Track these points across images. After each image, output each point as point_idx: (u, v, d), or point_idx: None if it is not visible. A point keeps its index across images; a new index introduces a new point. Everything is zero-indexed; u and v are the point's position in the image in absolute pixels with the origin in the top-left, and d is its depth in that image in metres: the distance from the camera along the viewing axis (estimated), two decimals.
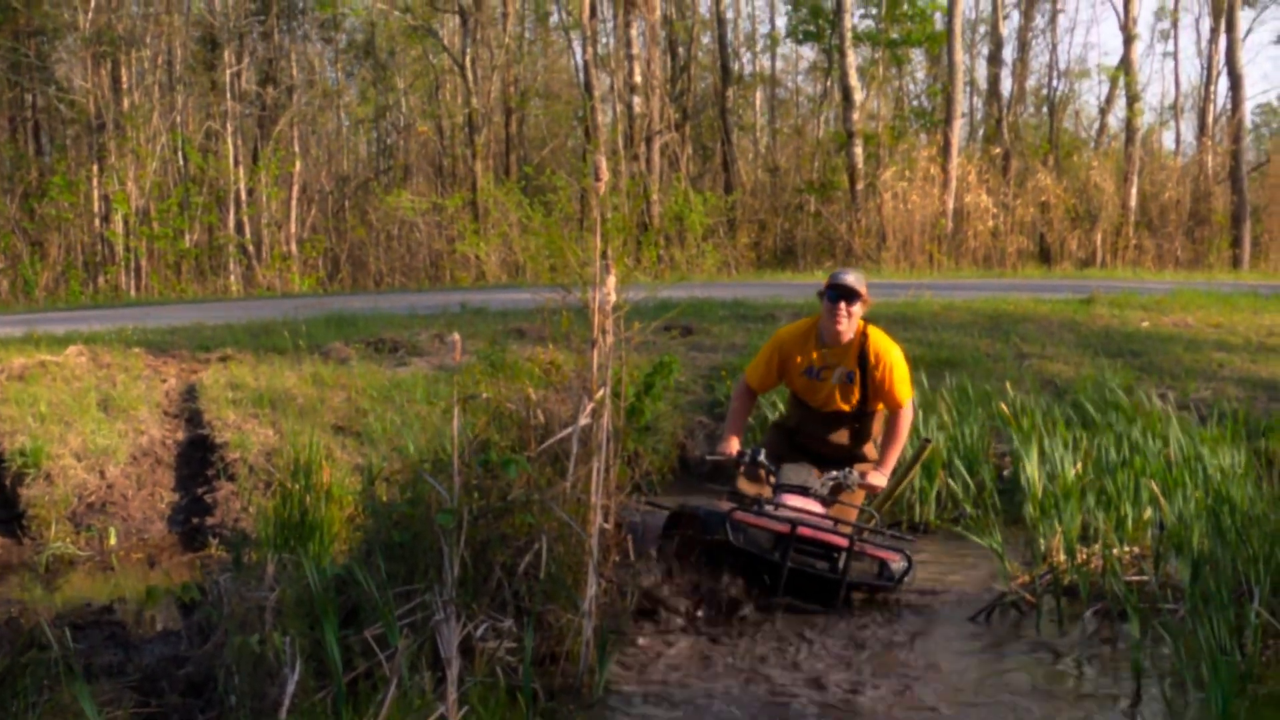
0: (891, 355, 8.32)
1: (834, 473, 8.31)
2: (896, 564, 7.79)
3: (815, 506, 7.96)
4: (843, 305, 8.19)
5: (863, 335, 8.36)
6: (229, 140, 34.76)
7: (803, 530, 7.56)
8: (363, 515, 8.44)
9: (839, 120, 38.05)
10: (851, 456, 8.58)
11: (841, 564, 7.61)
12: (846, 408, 8.51)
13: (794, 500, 7.92)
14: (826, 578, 7.65)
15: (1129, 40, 37.98)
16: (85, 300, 28.56)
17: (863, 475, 8.36)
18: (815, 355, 8.47)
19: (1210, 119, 41.56)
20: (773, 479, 8.28)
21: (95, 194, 32.33)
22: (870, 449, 8.61)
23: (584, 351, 6.61)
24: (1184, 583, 7.09)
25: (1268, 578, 6.71)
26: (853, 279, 8.22)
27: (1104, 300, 18.28)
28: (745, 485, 8.36)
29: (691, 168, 39.26)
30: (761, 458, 8.42)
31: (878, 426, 8.58)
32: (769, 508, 7.78)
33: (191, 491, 10.89)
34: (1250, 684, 5.89)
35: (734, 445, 8.58)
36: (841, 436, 8.61)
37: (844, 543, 7.59)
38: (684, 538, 7.69)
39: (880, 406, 8.49)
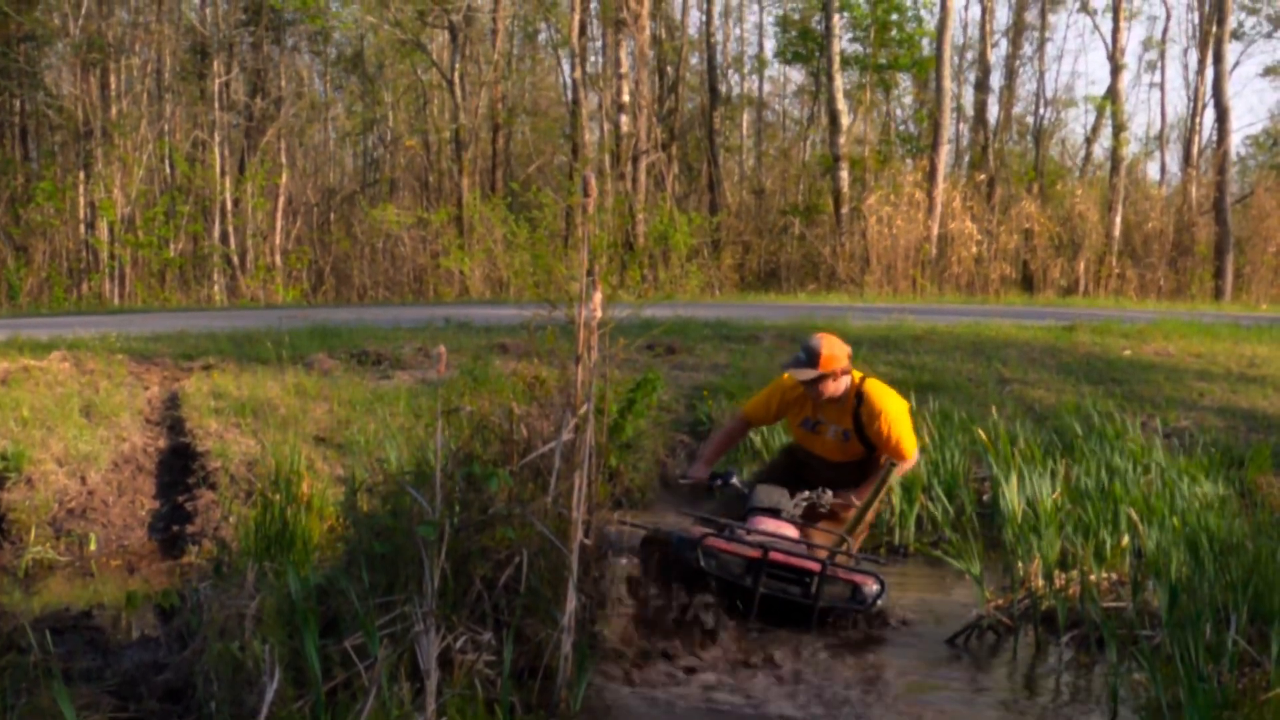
0: (890, 411, 8.21)
1: (806, 493, 8.30)
2: (870, 588, 7.76)
3: (788, 529, 7.94)
4: (812, 388, 8.19)
5: (857, 394, 8.31)
6: (216, 150, 34.77)
7: (774, 555, 7.55)
8: (343, 526, 8.44)
9: (825, 144, 38.16)
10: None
11: (814, 588, 7.59)
12: (848, 458, 8.50)
13: (766, 524, 7.91)
14: (799, 602, 7.63)
15: (1116, 70, 38.14)
16: (69, 307, 28.57)
17: (836, 494, 8.34)
18: (810, 409, 8.45)
19: (1196, 150, 41.71)
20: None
21: (81, 201, 32.32)
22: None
23: (567, 367, 6.61)
24: (1161, 610, 7.11)
25: (1245, 605, 6.73)
26: (809, 372, 8.10)
27: (1086, 328, 18.34)
28: (727, 516, 8.31)
29: (677, 188, 39.33)
30: (734, 480, 8.45)
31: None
32: (740, 532, 7.76)
33: (172, 499, 10.87)
34: (1226, 711, 5.90)
35: (703, 470, 8.60)
36: (844, 479, 8.54)
37: (816, 567, 7.58)
38: (657, 561, 7.70)
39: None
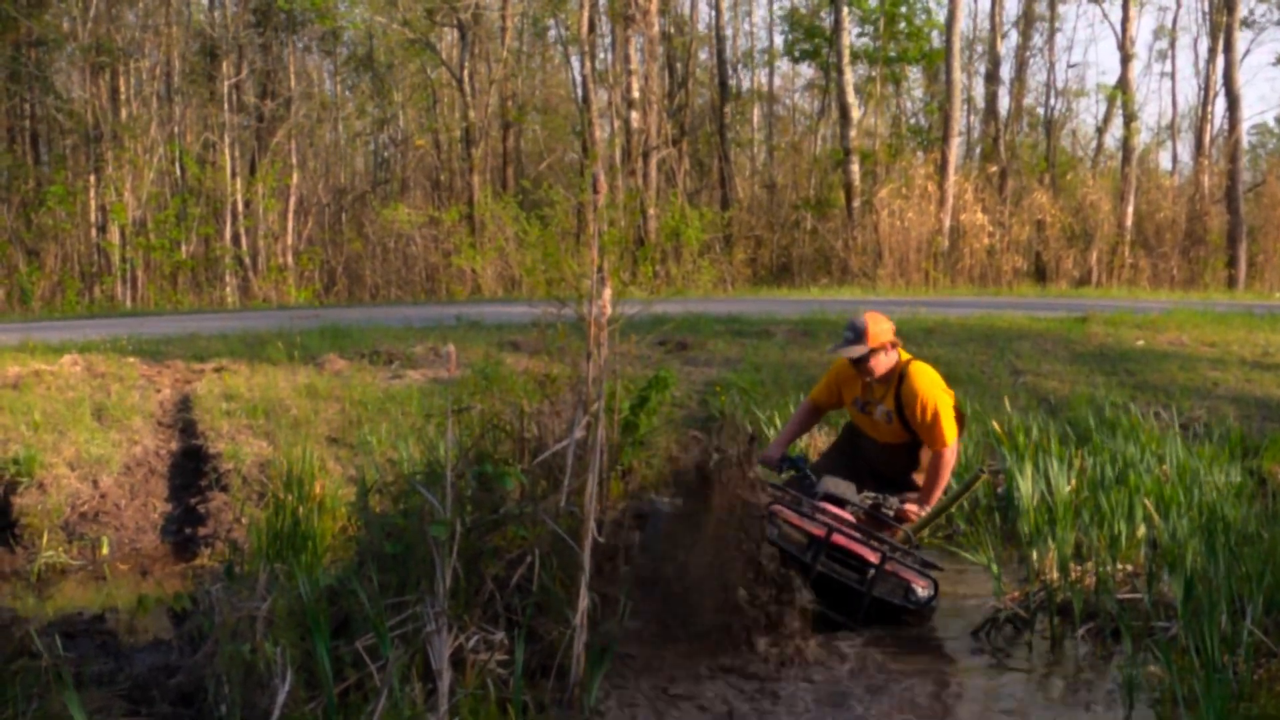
0: (929, 396, 8.21)
1: (870, 494, 8.30)
2: (922, 590, 7.75)
3: (850, 520, 7.96)
4: (862, 365, 8.21)
5: (900, 375, 8.32)
6: (226, 152, 34.76)
7: (837, 538, 7.54)
8: (355, 526, 8.44)
9: (836, 137, 38.14)
10: (902, 481, 8.56)
11: (869, 578, 7.59)
12: (895, 440, 8.50)
13: (831, 510, 7.92)
14: (852, 588, 7.62)
15: (1126, 60, 38.05)
16: (81, 310, 28.55)
17: (902, 501, 8.33)
18: (861, 390, 8.49)
19: (1207, 139, 41.59)
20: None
21: (92, 204, 32.29)
22: (920, 477, 8.57)
23: (579, 365, 6.59)
24: (1177, 601, 7.08)
25: (1260, 596, 6.70)
26: (853, 349, 8.18)
27: (1099, 319, 18.29)
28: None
29: (688, 183, 39.28)
30: (804, 466, 8.49)
31: (927, 456, 8.52)
32: (807, 508, 7.77)
33: (184, 502, 10.88)
34: (1242, 702, 5.88)
35: (777, 452, 8.66)
36: (893, 461, 8.61)
37: (875, 558, 7.58)
38: None
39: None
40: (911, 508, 8.27)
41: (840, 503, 8.07)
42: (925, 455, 8.50)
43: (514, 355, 14.24)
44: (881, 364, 8.24)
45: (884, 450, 8.62)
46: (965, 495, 8.82)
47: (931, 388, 8.27)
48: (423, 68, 41.48)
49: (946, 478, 8.42)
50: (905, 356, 8.40)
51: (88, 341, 15.21)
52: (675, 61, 40.93)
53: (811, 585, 7.44)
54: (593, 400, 6.38)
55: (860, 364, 8.23)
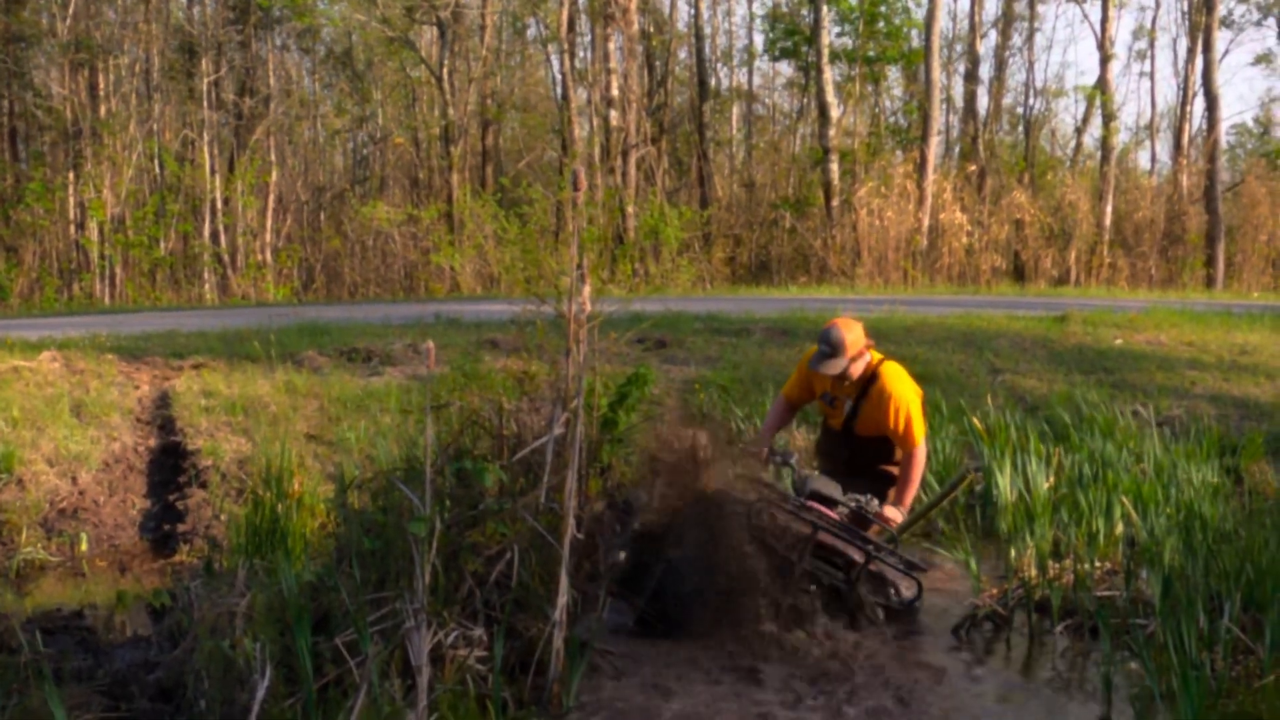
0: (898, 397, 8.25)
1: (856, 496, 8.30)
2: (906, 591, 7.79)
3: (837, 519, 7.97)
4: (841, 375, 8.23)
5: (872, 373, 8.35)
6: (205, 149, 34.66)
7: (822, 537, 7.55)
8: (334, 523, 8.43)
9: (815, 136, 38.13)
10: (875, 474, 8.58)
11: (854, 577, 7.60)
12: (862, 434, 8.52)
13: (818, 509, 7.94)
14: (838, 586, 7.64)
15: (1106, 60, 38.13)
16: (60, 307, 28.49)
17: (881, 506, 8.34)
18: (830, 384, 8.49)
19: (1186, 139, 41.65)
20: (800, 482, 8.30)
21: (71, 201, 32.17)
22: (893, 469, 8.58)
23: (558, 362, 6.59)
24: (1155, 598, 7.10)
25: (1238, 593, 6.73)
26: (833, 364, 8.19)
27: (1077, 318, 18.33)
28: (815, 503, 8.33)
29: (667, 182, 39.28)
30: (792, 462, 8.47)
31: (899, 452, 8.53)
32: (793, 506, 7.77)
33: (163, 498, 10.85)
34: (1220, 699, 5.89)
35: (763, 445, 8.63)
36: (863, 454, 8.62)
37: (861, 558, 7.59)
38: None
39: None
40: (890, 511, 8.27)
41: (828, 502, 8.08)
42: (896, 450, 8.54)
43: (493, 353, 14.22)
44: (857, 369, 8.26)
45: (851, 443, 8.64)
46: (950, 496, 8.86)
47: (903, 389, 8.31)
48: (402, 65, 41.42)
49: (919, 477, 8.45)
50: (877, 357, 8.43)
51: (66, 338, 15.16)
52: (654, 60, 40.93)
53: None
54: (572, 397, 6.38)
55: (840, 375, 8.26)
